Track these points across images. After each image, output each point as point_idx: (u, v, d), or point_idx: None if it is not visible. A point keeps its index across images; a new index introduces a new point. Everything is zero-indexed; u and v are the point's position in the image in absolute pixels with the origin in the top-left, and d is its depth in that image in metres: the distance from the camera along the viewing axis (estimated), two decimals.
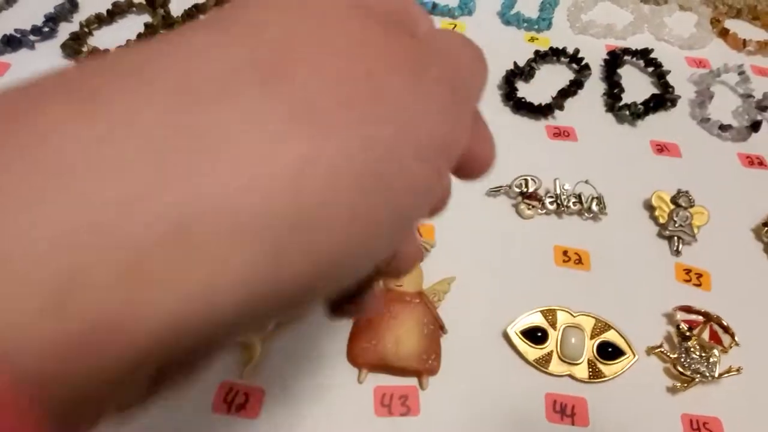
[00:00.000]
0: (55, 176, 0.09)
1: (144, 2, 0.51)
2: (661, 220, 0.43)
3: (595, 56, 0.55)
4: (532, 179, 0.42)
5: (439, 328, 0.35)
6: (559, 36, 0.57)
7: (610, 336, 0.36)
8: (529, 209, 0.42)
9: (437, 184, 0.14)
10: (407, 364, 0.33)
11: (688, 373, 0.35)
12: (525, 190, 0.42)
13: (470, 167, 0.17)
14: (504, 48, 0.55)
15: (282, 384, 0.33)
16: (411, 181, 0.12)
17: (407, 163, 0.12)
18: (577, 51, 0.53)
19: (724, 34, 0.60)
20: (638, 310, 0.38)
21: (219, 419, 0.31)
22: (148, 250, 0.09)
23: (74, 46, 0.47)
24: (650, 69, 0.55)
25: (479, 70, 0.16)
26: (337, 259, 0.12)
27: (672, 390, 0.35)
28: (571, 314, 0.37)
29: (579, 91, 0.51)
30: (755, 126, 0.49)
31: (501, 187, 0.43)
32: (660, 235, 0.43)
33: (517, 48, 0.55)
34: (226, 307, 0.10)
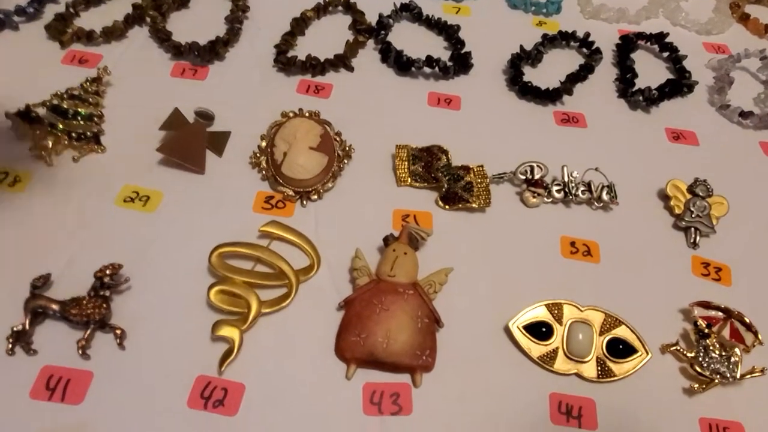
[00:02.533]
0: None
1: None
2: (677, 210, 0.40)
3: (607, 41, 0.52)
4: (538, 166, 0.40)
5: (435, 321, 0.32)
6: (568, 21, 0.54)
7: (621, 332, 0.33)
8: (534, 197, 0.39)
9: None
10: (399, 360, 0.31)
11: (707, 373, 0.32)
12: (530, 177, 0.40)
13: None
14: (510, 32, 0.52)
15: (264, 379, 0.30)
16: None
17: None
18: (587, 34, 0.51)
19: (744, 19, 0.57)
20: (652, 306, 0.35)
21: (194, 415, 0.29)
22: None
23: (59, 28, 0.45)
24: (665, 54, 0.52)
25: None
26: None
27: (689, 391, 0.32)
28: (579, 308, 0.34)
29: (589, 76, 0.48)
30: None
31: (505, 173, 0.40)
32: (675, 226, 0.40)
33: (524, 32, 0.52)
34: None
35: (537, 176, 0.39)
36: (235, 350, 0.30)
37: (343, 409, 0.30)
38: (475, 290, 0.35)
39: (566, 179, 0.40)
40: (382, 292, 0.32)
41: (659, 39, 0.51)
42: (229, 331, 0.31)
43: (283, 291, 0.33)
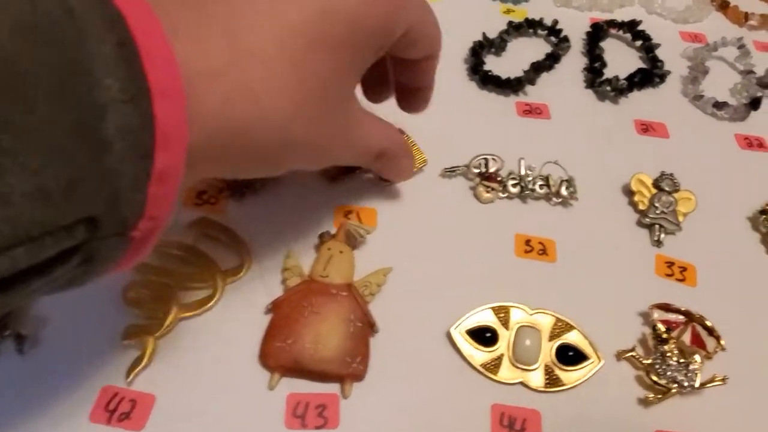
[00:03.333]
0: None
1: None
2: (641, 207, 0.37)
3: (577, 30, 0.50)
4: (493, 158, 0.37)
5: (369, 326, 0.30)
6: (538, 9, 0.52)
7: (572, 338, 0.31)
8: (487, 192, 0.37)
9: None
10: (326, 368, 0.28)
11: (663, 382, 0.30)
12: (485, 171, 0.37)
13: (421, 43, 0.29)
14: (475, 20, 0.49)
15: (177, 390, 0.28)
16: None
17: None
18: (555, 22, 0.48)
19: (723, 7, 0.54)
20: (610, 309, 0.33)
21: (96, 430, 0.26)
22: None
23: None
24: (638, 43, 0.49)
25: None
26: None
27: (644, 402, 0.30)
28: (527, 312, 0.31)
29: (556, 65, 0.46)
30: (754, 103, 0.44)
31: (458, 167, 0.38)
32: (640, 223, 0.37)
33: (491, 20, 0.50)
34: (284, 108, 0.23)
35: (492, 170, 0.37)
36: (146, 358, 0.28)
37: (262, 423, 0.27)
38: (417, 292, 0.32)
39: (522, 172, 0.37)
40: (313, 294, 0.30)
41: (632, 27, 0.49)
42: (141, 337, 0.28)
43: (207, 293, 0.31)
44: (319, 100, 0.24)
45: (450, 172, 0.37)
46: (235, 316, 0.30)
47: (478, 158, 0.37)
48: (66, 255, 0.16)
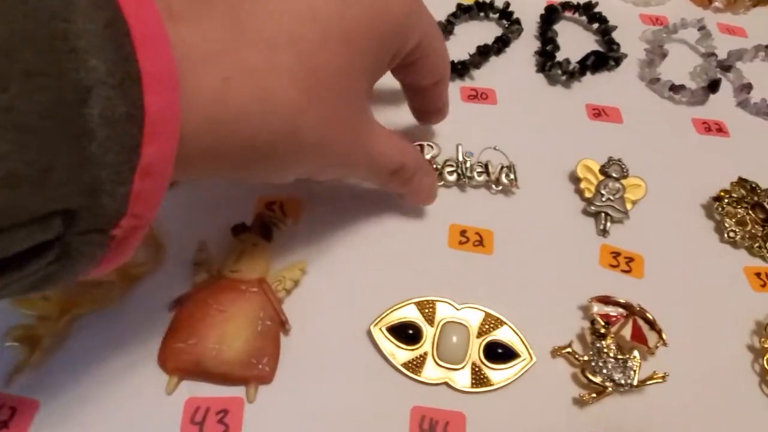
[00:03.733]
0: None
1: None
2: (587, 194, 0.35)
3: (533, 14, 0.48)
4: (428, 145, 0.35)
5: (281, 324, 0.28)
6: None
7: (502, 334, 0.29)
8: None
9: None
10: (229, 370, 0.26)
11: (599, 380, 0.27)
12: None
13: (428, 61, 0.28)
14: (427, 3, 0.47)
15: (64, 396, 0.25)
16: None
17: None
18: (507, 4, 0.46)
19: None
20: (549, 303, 0.31)
21: None
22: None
23: None
24: (595, 26, 0.47)
25: None
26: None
27: (579, 402, 0.27)
28: (455, 307, 0.29)
29: (506, 49, 0.44)
30: (713, 86, 0.42)
31: None
32: (586, 212, 0.35)
33: (440, 4, 0.47)
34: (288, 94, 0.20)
35: (427, 157, 0.35)
36: (30, 360, 0.25)
37: (155, 430, 0.25)
38: (339, 287, 0.30)
39: (460, 159, 0.35)
40: (221, 291, 0.28)
41: (587, 9, 0.47)
42: (26, 337, 0.26)
43: (107, 290, 0.28)
44: (332, 97, 0.21)
45: None
46: (139, 314, 0.28)
47: (413, 145, 0.35)
48: (40, 250, 0.15)
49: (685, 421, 0.27)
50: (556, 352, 0.29)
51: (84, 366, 0.26)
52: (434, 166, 0.35)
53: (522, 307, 0.30)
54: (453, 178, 0.35)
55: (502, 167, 0.35)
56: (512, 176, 0.35)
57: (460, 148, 0.35)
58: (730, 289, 0.33)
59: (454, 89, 0.41)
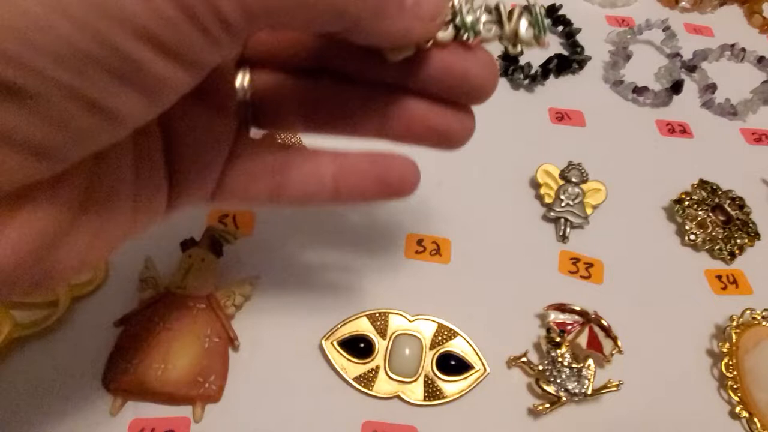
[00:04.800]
0: None
1: None
2: (547, 200, 0.35)
3: None
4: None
5: (229, 340, 0.27)
6: None
7: (456, 345, 0.28)
8: None
9: None
10: (173, 390, 0.25)
11: (553, 390, 0.27)
12: None
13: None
14: None
15: (4, 419, 0.25)
16: None
17: None
18: None
19: None
20: (506, 312, 0.30)
21: None
22: None
23: None
24: (559, 29, 0.47)
25: None
26: None
27: (534, 413, 0.27)
28: (408, 318, 0.29)
29: None
30: (675, 87, 0.41)
31: None
32: (546, 218, 0.35)
33: None
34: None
35: None
36: None
37: None
38: (291, 302, 0.30)
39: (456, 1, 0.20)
40: (167, 308, 0.27)
41: (551, 12, 0.47)
42: None
43: (48, 310, 0.28)
44: None
45: None
46: (83, 334, 0.28)
47: None
48: None
49: (641, 430, 0.27)
50: (511, 362, 0.28)
51: (26, 388, 0.26)
52: None
53: (479, 317, 0.30)
54: (449, 32, 0.19)
55: (521, 11, 0.20)
56: (539, 24, 0.19)
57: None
58: (691, 292, 0.32)
59: None
